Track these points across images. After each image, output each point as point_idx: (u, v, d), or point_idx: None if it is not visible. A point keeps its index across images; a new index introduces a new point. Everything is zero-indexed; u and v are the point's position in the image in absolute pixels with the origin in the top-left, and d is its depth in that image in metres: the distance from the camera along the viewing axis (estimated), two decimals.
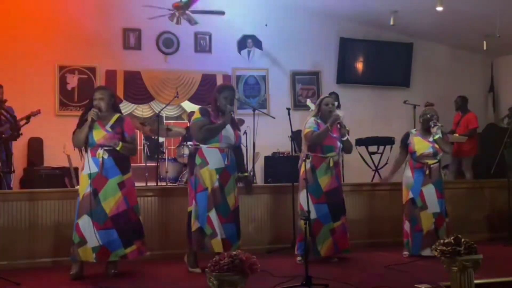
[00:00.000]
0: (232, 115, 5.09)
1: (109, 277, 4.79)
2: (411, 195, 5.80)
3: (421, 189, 5.77)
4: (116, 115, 4.95)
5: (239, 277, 2.91)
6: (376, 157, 8.63)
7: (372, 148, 8.77)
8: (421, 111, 6.06)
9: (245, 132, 7.93)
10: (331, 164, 5.42)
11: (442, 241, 3.40)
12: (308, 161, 5.30)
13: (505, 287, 3.81)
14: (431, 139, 5.81)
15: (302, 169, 5.45)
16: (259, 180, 8.75)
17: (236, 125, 5.25)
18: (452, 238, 3.37)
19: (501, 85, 10.78)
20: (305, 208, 5.24)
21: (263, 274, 4.25)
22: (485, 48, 9.40)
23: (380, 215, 6.64)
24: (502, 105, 10.56)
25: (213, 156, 4.97)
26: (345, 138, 5.52)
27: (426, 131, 5.87)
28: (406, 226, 5.82)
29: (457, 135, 8.55)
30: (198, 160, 5.01)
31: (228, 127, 5.05)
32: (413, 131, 6.02)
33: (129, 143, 4.89)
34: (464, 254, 3.29)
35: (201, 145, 5.01)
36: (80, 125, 4.88)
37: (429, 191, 5.77)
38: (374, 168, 8.52)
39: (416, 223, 5.74)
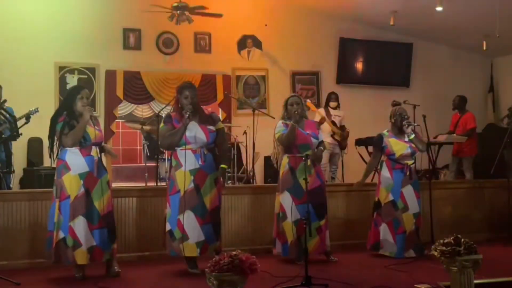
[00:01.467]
0: (188, 116, 4.84)
1: (112, 276, 4.79)
2: (391, 197, 5.72)
3: (401, 190, 5.71)
4: None
5: (239, 277, 2.91)
6: None
7: (372, 148, 8.75)
8: (391, 111, 5.93)
9: (245, 132, 7.95)
10: (309, 162, 5.32)
11: (442, 241, 3.40)
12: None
13: (505, 287, 3.81)
14: (406, 139, 5.74)
15: (281, 170, 5.47)
16: (259, 180, 8.74)
17: (209, 120, 5.04)
18: (452, 238, 3.37)
19: (501, 85, 10.79)
20: (286, 210, 5.33)
21: (263, 274, 4.25)
22: (484, 48, 9.41)
23: None
24: (502, 105, 10.57)
25: (186, 158, 4.89)
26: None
27: (398, 131, 5.80)
28: (383, 227, 5.72)
29: (455, 135, 8.54)
30: (173, 162, 5.01)
31: (194, 126, 4.93)
32: (385, 132, 5.91)
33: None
34: (464, 254, 3.29)
35: (176, 148, 4.98)
36: (67, 126, 4.69)
37: (409, 192, 5.71)
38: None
39: (398, 225, 5.66)
